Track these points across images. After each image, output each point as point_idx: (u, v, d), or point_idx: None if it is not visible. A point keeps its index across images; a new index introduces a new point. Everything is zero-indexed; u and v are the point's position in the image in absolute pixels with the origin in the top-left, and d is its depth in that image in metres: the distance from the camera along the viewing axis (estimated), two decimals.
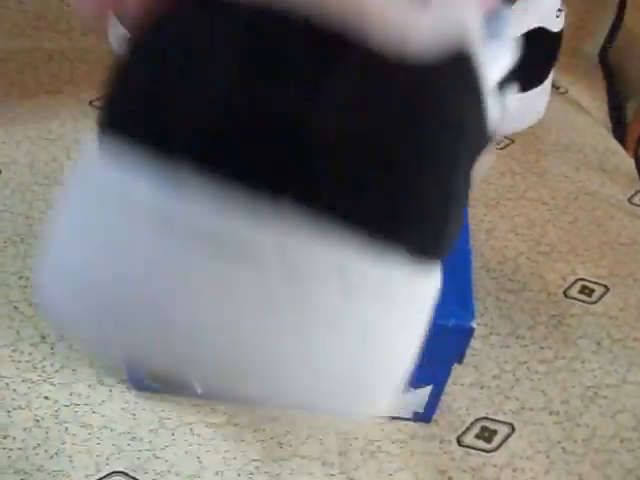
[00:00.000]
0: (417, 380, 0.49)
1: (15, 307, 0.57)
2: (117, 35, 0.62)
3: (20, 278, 0.59)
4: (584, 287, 0.62)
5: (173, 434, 0.51)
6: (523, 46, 0.54)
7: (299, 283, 0.20)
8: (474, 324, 0.43)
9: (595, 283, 0.63)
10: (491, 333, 0.58)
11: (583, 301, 0.61)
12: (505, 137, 0.71)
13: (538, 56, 0.57)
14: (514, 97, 0.58)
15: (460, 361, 0.46)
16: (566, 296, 0.61)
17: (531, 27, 0.54)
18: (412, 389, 0.49)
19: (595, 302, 0.61)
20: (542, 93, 0.59)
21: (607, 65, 0.84)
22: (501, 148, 0.72)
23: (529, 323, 0.59)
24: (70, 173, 0.22)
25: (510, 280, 0.62)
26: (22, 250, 0.61)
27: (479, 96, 0.24)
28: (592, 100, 0.80)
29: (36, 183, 0.66)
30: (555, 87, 0.61)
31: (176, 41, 0.22)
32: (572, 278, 0.63)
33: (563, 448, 0.52)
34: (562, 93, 0.79)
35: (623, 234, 0.67)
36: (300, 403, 0.22)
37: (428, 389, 0.49)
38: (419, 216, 0.23)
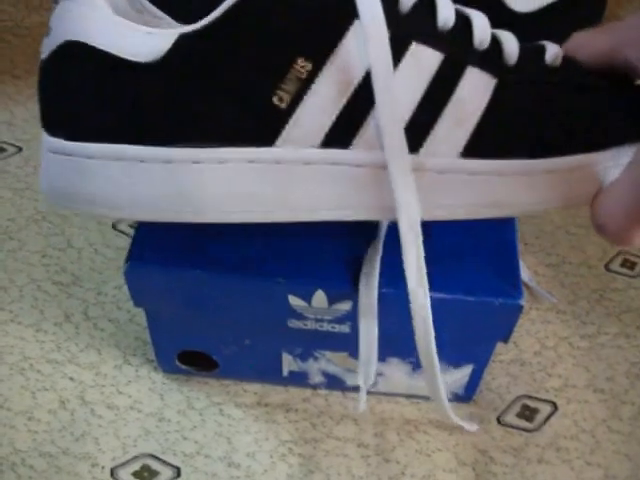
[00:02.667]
0: (457, 358, 0.47)
1: (38, 286, 0.55)
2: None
3: (43, 257, 0.57)
4: (626, 260, 0.60)
5: (202, 415, 0.49)
6: (567, 7, 0.52)
7: None
8: (522, 302, 0.41)
9: (637, 256, 0.60)
10: (531, 308, 0.56)
11: (625, 274, 0.59)
12: None
13: (583, 18, 0.54)
14: None
15: (506, 340, 0.44)
16: (607, 270, 0.59)
17: None
18: (452, 368, 0.47)
19: (638, 276, 0.59)
20: None
21: None
22: None
23: (570, 297, 0.57)
24: None
25: (548, 254, 0.60)
26: (44, 228, 0.60)
27: None
28: None
29: None
30: None
31: None
32: (613, 251, 0.60)
33: (609, 427, 0.49)
34: None
35: None
36: None
37: (469, 368, 0.47)
38: None
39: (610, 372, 0.52)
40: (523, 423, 0.50)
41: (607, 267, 0.59)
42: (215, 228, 0.43)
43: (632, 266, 0.59)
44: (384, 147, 0.33)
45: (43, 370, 0.51)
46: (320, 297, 0.41)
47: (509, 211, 0.37)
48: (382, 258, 0.41)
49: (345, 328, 0.43)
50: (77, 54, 0.34)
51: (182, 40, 0.33)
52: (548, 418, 0.50)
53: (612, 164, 0.35)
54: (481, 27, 0.35)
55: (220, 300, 0.43)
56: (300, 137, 0.34)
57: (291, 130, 0.34)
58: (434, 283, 0.40)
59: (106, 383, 0.50)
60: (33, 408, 0.49)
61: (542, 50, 0.36)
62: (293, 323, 0.44)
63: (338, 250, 0.42)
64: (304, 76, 0.33)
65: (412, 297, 0.36)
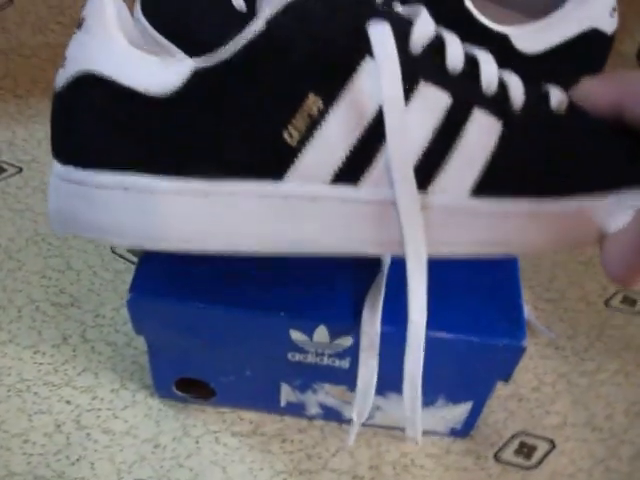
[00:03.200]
0: (457, 395, 0.47)
1: (37, 307, 0.55)
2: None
3: (42, 277, 0.57)
4: (626, 297, 0.60)
5: (197, 442, 0.49)
6: (576, 49, 0.52)
7: None
8: (525, 343, 0.41)
9: (638, 293, 0.60)
10: (529, 343, 0.56)
11: (626, 311, 0.59)
12: None
13: (590, 59, 0.54)
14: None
15: (507, 379, 0.44)
16: (607, 306, 0.59)
17: (584, 28, 0.52)
18: (451, 404, 0.47)
19: (639, 313, 0.59)
20: None
21: None
22: None
23: (569, 333, 0.57)
24: None
25: (547, 289, 0.60)
26: (44, 249, 0.59)
27: None
28: None
29: None
30: None
31: None
32: (613, 287, 0.60)
33: (607, 466, 0.49)
34: None
35: None
36: None
37: (468, 405, 0.47)
38: None
39: (609, 410, 0.52)
40: (520, 460, 0.49)
41: (607, 303, 0.59)
42: (219, 261, 0.43)
43: (633, 303, 0.59)
44: (394, 184, 0.33)
45: (40, 392, 0.50)
46: (322, 332, 0.41)
47: (514, 250, 0.37)
48: (388, 298, 0.41)
49: (345, 363, 0.43)
50: (91, 85, 0.34)
51: (195, 76, 0.33)
52: (546, 456, 0.50)
53: (617, 207, 0.35)
54: (489, 71, 0.35)
55: (221, 332, 0.43)
56: (309, 173, 0.34)
57: (300, 166, 0.34)
58: (437, 322, 0.40)
59: (102, 407, 0.50)
60: (29, 431, 0.48)
61: (547, 95, 0.36)
62: (294, 356, 0.44)
63: (341, 285, 0.42)
64: (315, 113, 0.33)
65: (412, 328, 0.36)
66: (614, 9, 0.52)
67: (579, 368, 0.54)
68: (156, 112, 0.33)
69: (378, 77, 0.33)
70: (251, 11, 0.40)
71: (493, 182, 0.35)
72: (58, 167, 0.36)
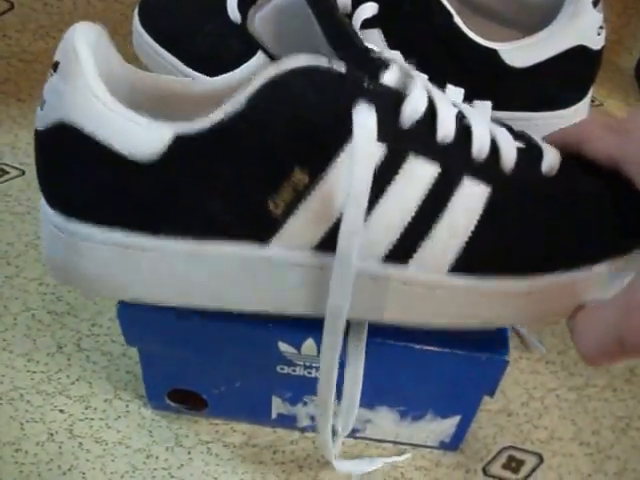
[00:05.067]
0: (445, 410, 0.47)
1: (33, 315, 0.56)
2: (141, 42, 0.61)
3: (40, 284, 0.58)
4: None
5: (190, 453, 0.49)
6: (563, 64, 0.53)
7: None
8: (507, 358, 0.41)
9: None
10: (521, 357, 0.56)
11: None
12: None
13: (578, 74, 0.55)
14: (553, 114, 0.56)
15: (491, 394, 0.44)
16: None
17: (572, 45, 0.52)
18: (440, 418, 0.48)
19: None
20: (581, 110, 0.57)
21: None
22: None
23: (560, 347, 0.57)
24: None
25: None
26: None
27: None
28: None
29: None
30: (591, 100, 0.59)
31: None
32: None
33: None
34: (597, 106, 0.77)
35: None
36: None
37: (456, 419, 0.48)
38: None
39: (596, 425, 0.53)
40: (508, 474, 0.50)
41: None
42: None
43: None
44: (336, 254, 0.34)
45: (33, 401, 0.51)
46: (310, 345, 0.42)
47: (491, 324, 0.38)
48: None
49: None
50: (72, 137, 0.34)
51: (178, 142, 0.33)
52: (534, 470, 0.50)
53: (604, 279, 0.36)
54: (481, 138, 0.35)
55: (211, 343, 0.43)
56: (293, 241, 0.35)
57: (285, 234, 0.35)
58: (422, 335, 0.41)
59: (95, 417, 0.50)
60: (21, 439, 0.49)
61: (540, 156, 0.36)
62: (282, 369, 0.44)
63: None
64: (300, 187, 0.33)
65: (320, 386, 0.38)
66: (601, 27, 0.53)
67: (568, 383, 0.55)
68: (139, 176, 0.34)
69: (352, 160, 0.32)
70: (246, 22, 0.41)
71: (476, 257, 0.35)
72: (47, 210, 0.37)
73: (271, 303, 0.37)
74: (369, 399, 0.47)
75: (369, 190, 0.32)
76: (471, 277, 0.35)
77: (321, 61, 0.33)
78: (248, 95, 0.32)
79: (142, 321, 0.43)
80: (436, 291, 0.36)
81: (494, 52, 0.51)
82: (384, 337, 0.41)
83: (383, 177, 0.34)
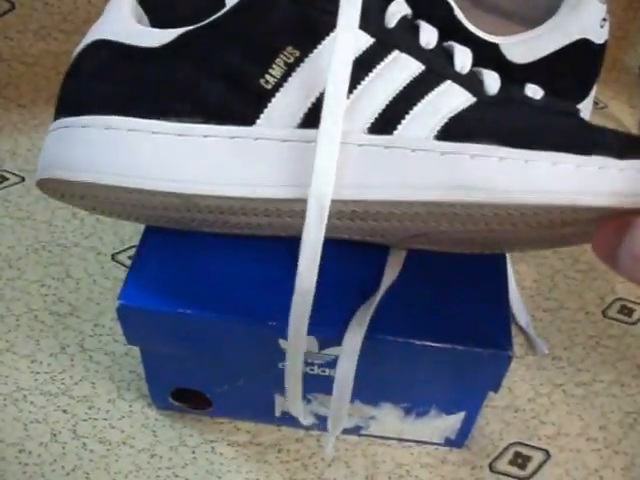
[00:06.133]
0: (450, 406, 0.47)
1: (35, 316, 0.56)
2: None
3: (41, 286, 0.58)
4: (623, 307, 0.60)
5: (194, 452, 0.49)
6: (566, 59, 0.52)
7: None
8: (511, 353, 0.41)
9: (635, 303, 0.60)
10: (526, 353, 0.56)
11: (622, 321, 0.59)
12: None
13: (581, 70, 0.54)
14: None
15: (496, 390, 0.44)
16: (605, 316, 0.59)
17: (574, 38, 0.52)
18: (444, 415, 0.47)
19: (635, 323, 0.59)
20: (584, 109, 0.56)
21: None
22: None
23: (566, 344, 0.57)
24: None
25: (546, 299, 0.60)
26: (44, 257, 0.60)
27: None
28: (633, 115, 0.77)
29: None
30: (594, 102, 0.59)
31: None
32: (611, 297, 0.61)
33: (601, 477, 0.49)
34: (601, 108, 0.77)
35: None
36: None
37: (461, 415, 0.47)
38: None
39: (603, 421, 0.52)
40: (515, 471, 0.49)
41: (604, 313, 0.59)
42: (210, 268, 0.43)
43: (630, 313, 0.59)
44: (320, 120, 0.35)
45: (36, 402, 0.51)
46: (311, 342, 0.41)
47: (481, 197, 0.35)
48: (379, 307, 0.41)
49: (334, 372, 0.43)
50: (96, 47, 0.38)
51: (183, 35, 0.37)
52: (540, 466, 0.50)
53: (597, 170, 0.34)
54: (463, 56, 0.38)
55: (211, 341, 0.43)
56: (279, 117, 0.36)
57: (272, 110, 0.36)
58: (425, 330, 0.40)
59: (99, 417, 0.50)
60: (24, 440, 0.49)
61: (523, 85, 0.38)
62: (284, 366, 0.44)
63: (331, 296, 0.42)
64: (291, 60, 0.36)
65: (298, 282, 0.36)
66: (604, 20, 0.52)
67: (575, 379, 0.54)
68: (144, 61, 0.37)
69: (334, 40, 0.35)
70: None
71: (461, 129, 0.35)
72: (52, 123, 0.39)
73: (254, 184, 0.37)
74: (372, 396, 0.46)
75: (351, 61, 0.35)
76: (458, 143, 0.35)
77: None
78: None
79: (142, 320, 0.43)
80: (419, 153, 0.35)
81: (495, 47, 0.51)
82: (386, 333, 0.41)
83: (368, 61, 0.36)
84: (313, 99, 0.35)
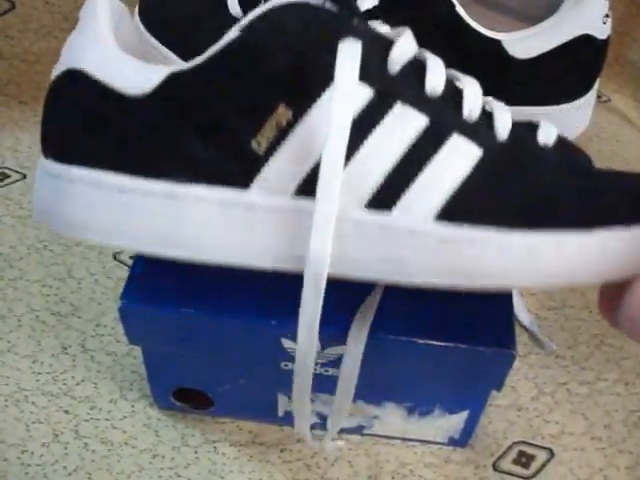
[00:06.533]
0: (453, 405, 0.47)
1: (37, 316, 0.55)
2: (140, 39, 0.60)
3: (43, 286, 0.57)
4: None
5: (196, 452, 0.49)
6: (568, 54, 0.52)
7: None
8: (515, 352, 0.40)
9: None
10: (530, 352, 0.56)
11: None
12: None
13: (583, 65, 0.54)
14: (558, 108, 0.55)
15: (499, 388, 0.43)
16: None
17: (577, 34, 0.52)
18: (448, 414, 0.47)
19: None
20: (586, 104, 0.56)
21: None
22: None
23: (569, 342, 0.56)
24: None
25: (550, 297, 0.60)
26: (45, 257, 0.60)
27: None
28: (637, 108, 0.77)
29: None
30: (598, 96, 0.59)
31: None
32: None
33: (605, 476, 0.49)
34: (605, 102, 0.77)
35: None
36: None
37: (464, 415, 0.47)
38: None
39: (608, 420, 0.52)
40: (519, 470, 0.49)
41: None
42: (212, 268, 0.43)
43: None
44: (316, 196, 0.32)
45: (38, 402, 0.50)
46: None
47: (481, 282, 0.35)
48: (382, 306, 0.41)
49: (337, 371, 0.43)
50: (75, 81, 0.35)
51: (170, 79, 0.33)
52: (544, 465, 0.50)
53: (599, 247, 0.33)
54: (472, 97, 0.35)
55: (213, 341, 0.43)
56: (274, 183, 0.34)
57: (266, 176, 0.34)
58: (427, 329, 0.40)
59: (101, 417, 0.50)
60: (26, 440, 0.49)
61: (535, 127, 0.36)
62: (287, 365, 0.44)
63: (333, 295, 0.42)
64: (284, 124, 0.33)
65: (298, 353, 0.36)
66: (607, 15, 0.52)
67: (579, 377, 0.54)
68: (129, 111, 0.34)
69: (332, 100, 0.32)
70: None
71: (462, 207, 0.34)
72: (41, 160, 0.37)
73: (246, 255, 0.36)
74: (375, 395, 0.46)
75: (349, 130, 0.32)
76: (457, 227, 0.34)
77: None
78: (240, 28, 0.33)
79: (144, 319, 0.42)
80: (417, 238, 0.34)
81: (497, 42, 0.51)
82: (389, 332, 0.41)
83: (368, 120, 0.33)
84: (308, 168, 0.34)
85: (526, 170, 0.34)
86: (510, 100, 0.53)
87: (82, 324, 0.55)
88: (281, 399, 0.48)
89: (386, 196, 0.34)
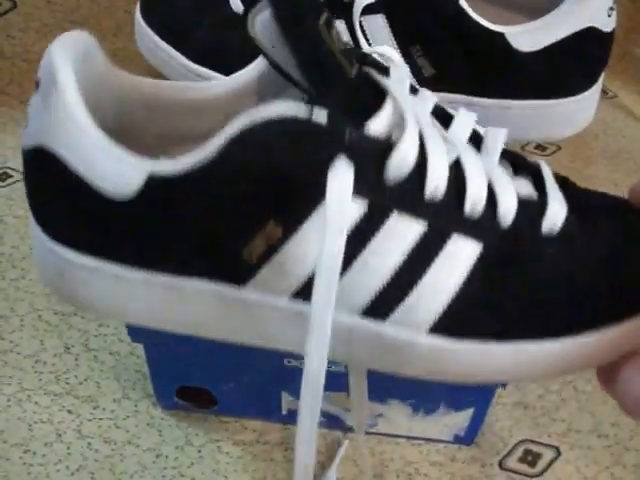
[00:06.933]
0: (458, 402, 0.46)
1: (39, 316, 0.55)
2: (143, 37, 0.60)
3: (45, 286, 0.57)
4: None
5: (200, 451, 0.49)
6: (572, 47, 0.52)
7: None
8: None
9: None
10: None
11: None
12: (551, 143, 0.68)
13: (588, 58, 0.54)
14: (563, 101, 0.55)
15: (504, 386, 0.43)
16: None
17: (581, 27, 0.51)
18: (453, 411, 0.47)
19: None
20: (591, 97, 0.56)
21: None
22: (548, 155, 0.69)
23: None
24: None
25: None
26: None
27: None
28: None
29: None
30: (604, 91, 0.58)
31: None
32: None
33: (612, 474, 0.49)
34: (611, 98, 0.76)
35: None
36: None
37: (470, 412, 0.47)
38: None
39: (614, 417, 0.52)
40: (525, 468, 0.49)
41: None
42: None
43: None
44: (311, 309, 0.32)
45: (40, 402, 0.50)
46: None
47: (461, 379, 0.36)
48: None
49: (341, 368, 0.43)
50: (52, 163, 0.33)
51: (152, 182, 0.32)
52: (551, 464, 0.49)
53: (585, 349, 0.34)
54: (476, 194, 0.33)
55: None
56: (268, 287, 0.34)
57: (260, 279, 0.33)
58: None
59: (104, 417, 0.50)
60: (29, 440, 0.48)
61: (542, 211, 0.34)
62: (290, 362, 0.43)
63: None
64: (273, 241, 0.32)
65: (297, 450, 0.35)
66: (612, 8, 0.52)
67: (585, 375, 0.54)
68: (113, 212, 0.33)
69: (323, 226, 0.31)
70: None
71: (456, 319, 0.33)
72: (35, 226, 0.36)
73: (251, 336, 0.36)
74: (380, 392, 0.46)
75: (342, 254, 0.31)
76: (450, 338, 0.34)
77: (300, 110, 0.31)
78: (221, 143, 0.31)
79: None
80: (411, 347, 0.34)
81: (501, 35, 0.50)
82: None
83: (362, 234, 0.32)
84: (303, 277, 0.33)
85: (523, 272, 0.33)
86: (514, 93, 0.53)
87: (85, 323, 0.55)
88: (285, 397, 0.47)
89: (380, 306, 0.33)
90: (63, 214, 0.34)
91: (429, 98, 0.36)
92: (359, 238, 0.32)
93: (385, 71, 0.35)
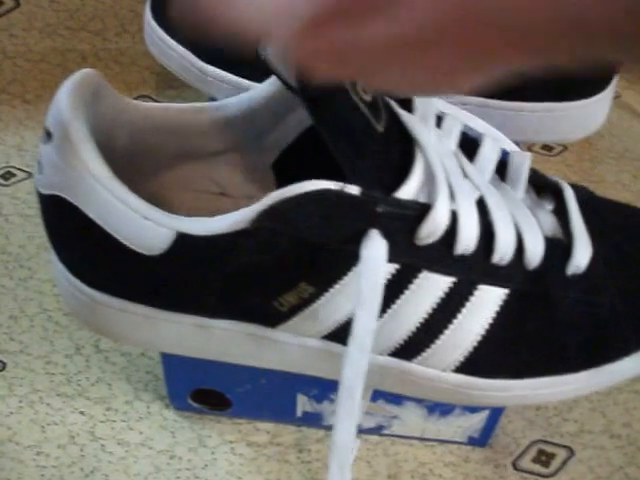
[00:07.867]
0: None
1: (49, 316, 0.55)
2: (152, 36, 0.60)
3: (54, 286, 0.57)
4: None
5: (213, 453, 0.49)
6: None
7: None
8: None
9: None
10: None
11: None
12: (557, 144, 0.68)
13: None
14: (576, 104, 0.55)
15: None
16: None
17: None
18: (468, 413, 0.47)
19: None
20: (604, 100, 0.56)
21: None
22: (554, 155, 0.69)
23: None
24: None
25: None
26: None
27: None
28: None
29: None
30: (614, 91, 0.58)
31: None
32: None
33: (626, 474, 0.49)
34: (615, 98, 0.76)
35: None
36: None
37: (485, 413, 0.47)
38: None
39: (627, 417, 0.52)
40: (538, 468, 0.49)
41: None
42: None
43: None
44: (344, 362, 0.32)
45: (53, 404, 0.50)
46: None
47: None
48: None
49: None
50: (74, 214, 0.33)
51: (181, 241, 0.33)
52: (564, 464, 0.49)
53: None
54: (505, 245, 0.34)
55: None
56: (300, 331, 0.35)
57: (291, 325, 0.34)
58: None
59: (117, 419, 0.50)
60: (42, 442, 0.48)
61: (567, 253, 0.35)
62: None
63: None
64: (306, 296, 0.33)
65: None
66: None
67: None
68: (141, 265, 0.33)
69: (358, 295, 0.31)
70: None
71: (481, 363, 0.35)
72: (58, 265, 0.37)
73: (278, 365, 0.38)
74: (396, 394, 0.46)
75: (374, 325, 0.32)
76: (473, 377, 0.36)
77: (332, 185, 0.31)
78: (255, 214, 0.31)
79: None
80: (438, 383, 0.36)
81: None
82: None
83: (393, 289, 0.33)
84: (334, 326, 0.34)
85: (545, 313, 0.35)
86: (528, 95, 0.53)
87: None
88: (300, 399, 0.47)
89: (409, 350, 0.35)
90: (88, 261, 0.35)
91: (456, 125, 0.36)
92: (390, 293, 0.33)
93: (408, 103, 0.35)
